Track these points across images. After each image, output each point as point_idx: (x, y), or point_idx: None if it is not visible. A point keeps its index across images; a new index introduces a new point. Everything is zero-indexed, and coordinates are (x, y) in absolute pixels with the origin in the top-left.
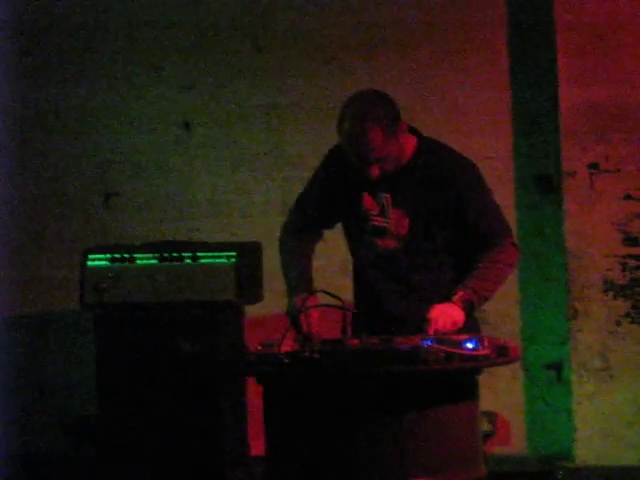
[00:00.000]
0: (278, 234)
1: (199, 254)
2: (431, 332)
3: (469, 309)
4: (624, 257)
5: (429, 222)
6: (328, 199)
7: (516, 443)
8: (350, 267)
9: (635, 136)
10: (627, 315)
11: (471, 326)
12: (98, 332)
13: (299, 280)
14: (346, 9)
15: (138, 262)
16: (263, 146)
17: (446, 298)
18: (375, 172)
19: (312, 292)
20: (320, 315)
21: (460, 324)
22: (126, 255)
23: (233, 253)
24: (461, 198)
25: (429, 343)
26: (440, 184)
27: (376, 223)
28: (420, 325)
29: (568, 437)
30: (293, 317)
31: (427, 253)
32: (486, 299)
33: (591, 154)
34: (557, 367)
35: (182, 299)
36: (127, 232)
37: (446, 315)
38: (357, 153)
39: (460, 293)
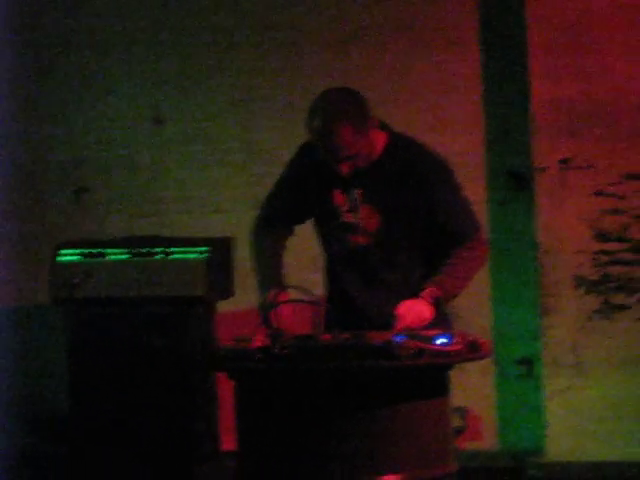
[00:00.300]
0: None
1: (170, 249)
2: (399, 328)
3: (438, 305)
4: (595, 253)
5: (399, 218)
6: (299, 194)
7: (487, 439)
8: (321, 263)
9: (606, 132)
10: (598, 311)
11: (442, 322)
12: (69, 327)
13: (270, 275)
14: (319, 4)
15: (109, 257)
16: (235, 141)
17: (415, 294)
18: (346, 169)
19: (283, 287)
20: (292, 311)
21: (428, 320)
22: (97, 250)
23: (204, 248)
24: (431, 194)
25: (401, 338)
26: (410, 180)
27: (346, 219)
28: (388, 321)
29: (539, 433)
30: (265, 312)
31: (397, 249)
32: (455, 295)
33: (562, 150)
34: (528, 363)
35: (153, 294)
36: (98, 227)
37: (414, 311)
38: (328, 150)
39: (429, 289)
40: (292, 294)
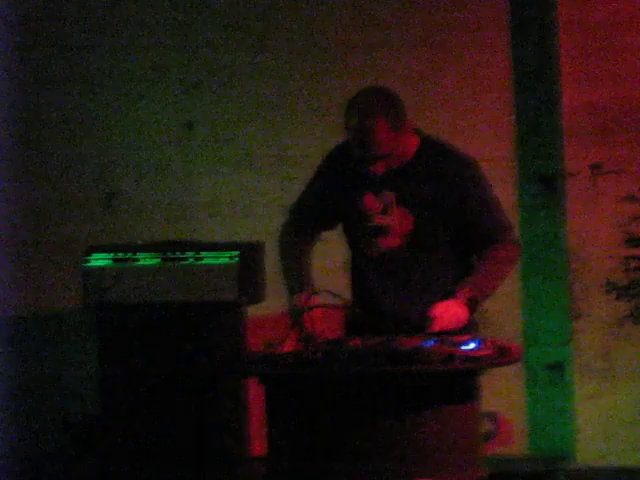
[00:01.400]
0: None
1: (201, 254)
2: (435, 330)
3: (473, 306)
4: (626, 258)
5: (432, 219)
6: (328, 199)
7: (518, 444)
8: (350, 267)
9: (637, 136)
10: (629, 316)
11: (470, 326)
12: (100, 332)
13: (299, 279)
14: (349, 9)
15: (140, 262)
16: (265, 146)
17: (449, 295)
18: (381, 168)
19: (313, 291)
20: (322, 315)
21: (464, 321)
22: (128, 255)
23: (235, 253)
24: (464, 194)
25: (431, 343)
26: (442, 180)
27: (379, 222)
28: (423, 323)
29: (570, 438)
30: (295, 317)
31: (429, 251)
32: (488, 295)
33: (593, 155)
34: (559, 368)
35: (184, 299)
36: (129, 232)
37: (450, 312)
38: (364, 147)
39: (463, 290)
40: (322, 298)
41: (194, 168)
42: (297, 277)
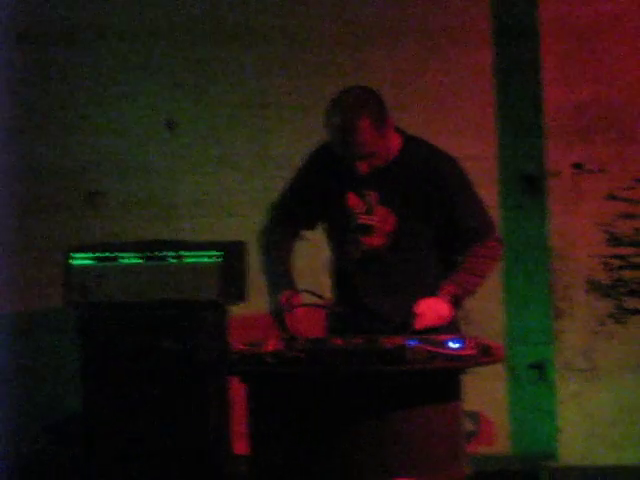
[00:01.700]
0: None
1: (183, 253)
2: (418, 327)
3: (455, 303)
4: (608, 257)
5: (415, 218)
6: (311, 198)
7: (500, 443)
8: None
9: (619, 136)
10: (611, 315)
11: (451, 325)
12: (82, 331)
13: (282, 278)
14: (331, 7)
15: (122, 261)
16: (247, 145)
17: (431, 293)
18: (364, 167)
19: (296, 290)
20: (305, 314)
21: (447, 318)
22: (110, 254)
23: (217, 252)
24: (446, 193)
25: (414, 343)
26: (425, 180)
27: (362, 221)
28: (406, 320)
29: (552, 437)
30: (278, 316)
31: (412, 250)
32: (471, 293)
33: (575, 154)
34: (541, 367)
35: (166, 298)
36: (111, 231)
37: (433, 310)
38: (347, 147)
39: (446, 287)
40: (304, 297)
41: (177, 167)
42: (280, 276)
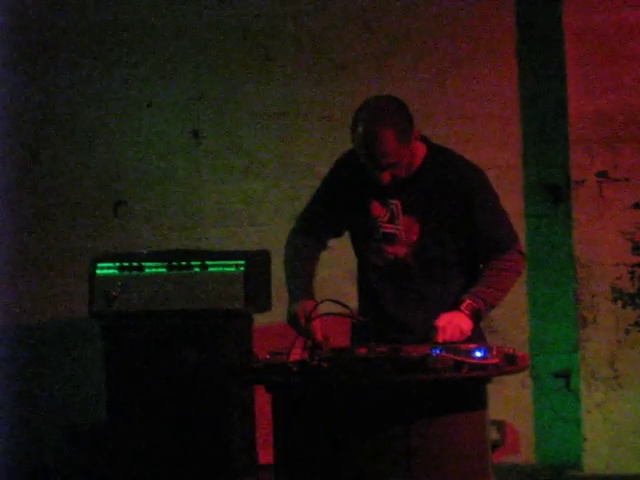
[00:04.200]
0: None
1: (208, 262)
2: (439, 341)
3: (476, 317)
4: (633, 266)
5: (439, 228)
6: (335, 207)
7: (525, 452)
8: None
9: None
10: (636, 324)
11: (476, 335)
12: (107, 340)
13: (304, 287)
14: (356, 18)
15: (147, 270)
16: (272, 154)
17: (454, 306)
18: (387, 177)
19: (312, 299)
20: (329, 323)
21: (468, 333)
22: (135, 263)
23: (242, 262)
24: (470, 203)
25: (438, 352)
26: (450, 190)
27: (386, 230)
28: (428, 333)
29: (577, 446)
30: (297, 324)
31: (436, 260)
32: (493, 306)
33: (600, 163)
34: (566, 376)
35: (191, 307)
36: (136, 240)
37: (454, 324)
38: (370, 157)
39: (468, 301)
40: (323, 307)
41: (201, 177)
42: (301, 284)
